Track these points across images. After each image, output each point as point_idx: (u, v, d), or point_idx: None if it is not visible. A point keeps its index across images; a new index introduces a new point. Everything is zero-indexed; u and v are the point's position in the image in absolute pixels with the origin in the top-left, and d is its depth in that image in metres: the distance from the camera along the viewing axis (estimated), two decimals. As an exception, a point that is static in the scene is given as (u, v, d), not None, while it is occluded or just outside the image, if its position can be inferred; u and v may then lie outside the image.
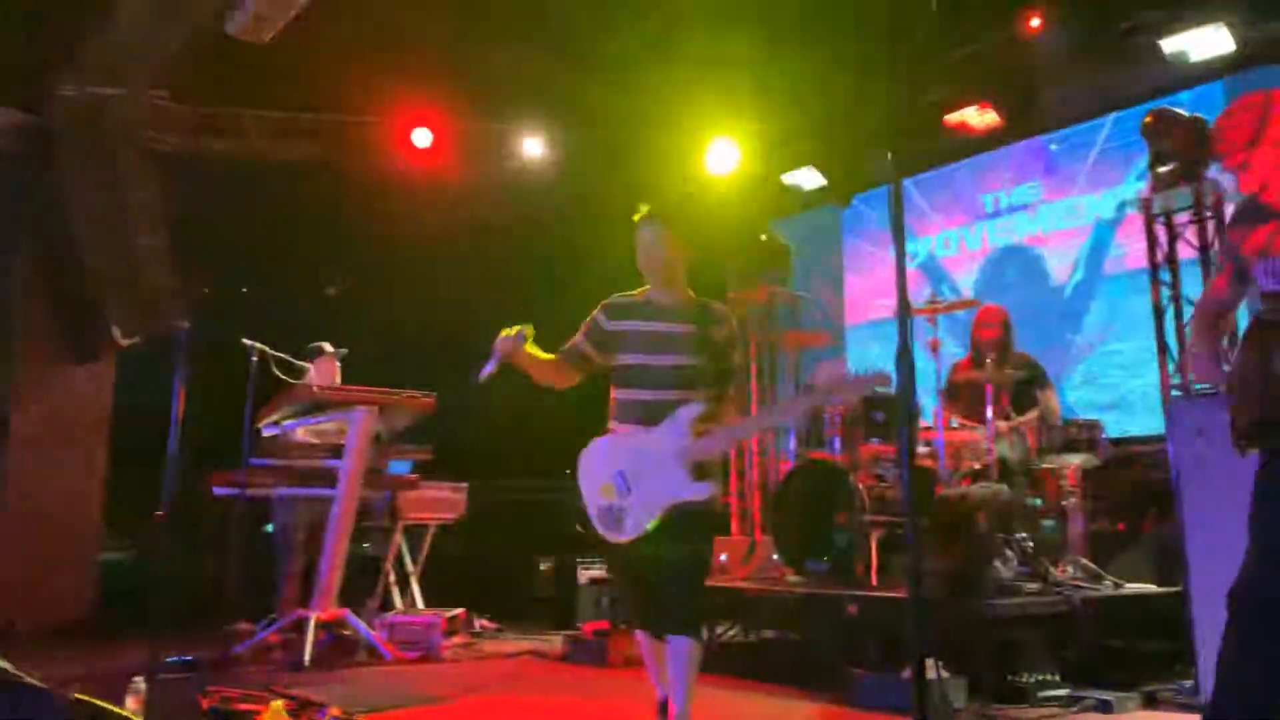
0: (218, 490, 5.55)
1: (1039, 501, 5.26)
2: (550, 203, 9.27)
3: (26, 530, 6.96)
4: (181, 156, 8.27)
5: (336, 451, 5.63)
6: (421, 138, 8.76)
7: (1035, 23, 6.61)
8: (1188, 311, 5.62)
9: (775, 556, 5.52)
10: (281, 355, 5.63)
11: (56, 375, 7.37)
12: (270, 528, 6.28)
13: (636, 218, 3.26)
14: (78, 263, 6.99)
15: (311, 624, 5.16)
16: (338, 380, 6.17)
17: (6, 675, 3.17)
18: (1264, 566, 2.32)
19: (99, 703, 2.78)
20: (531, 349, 3.22)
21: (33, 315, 7.38)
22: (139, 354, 7.43)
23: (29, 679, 2.98)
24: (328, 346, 6.27)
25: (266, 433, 5.77)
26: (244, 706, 3.56)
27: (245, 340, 5.31)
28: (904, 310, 1.64)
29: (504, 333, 3.17)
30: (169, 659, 4.93)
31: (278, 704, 3.50)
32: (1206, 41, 6.17)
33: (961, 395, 5.71)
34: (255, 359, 5.28)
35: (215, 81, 8.26)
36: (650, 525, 2.97)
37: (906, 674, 4.01)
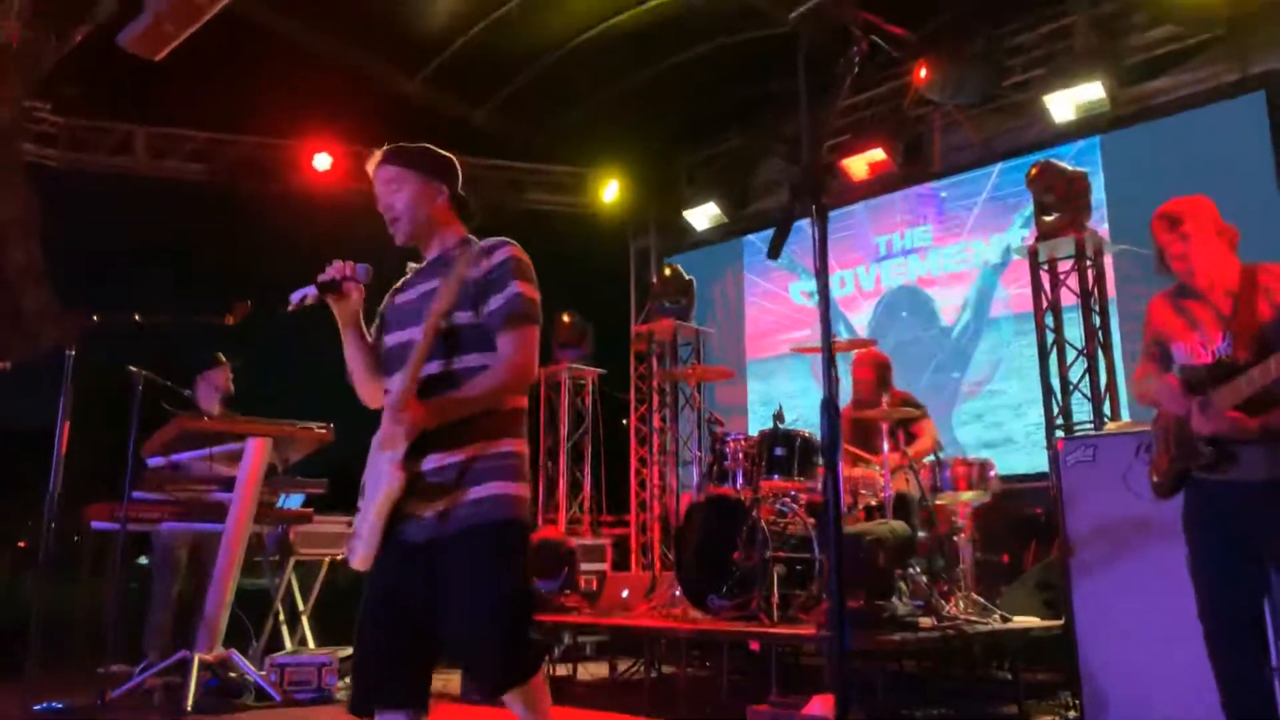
0: (96, 525, 5.25)
1: (922, 534, 5.42)
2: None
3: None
4: (63, 171, 7.92)
5: (227, 484, 5.40)
6: (321, 161, 8.60)
7: (924, 73, 6.92)
8: (1070, 354, 5.92)
9: (678, 592, 5.52)
10: (169, 384, 5.39)
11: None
12: (144, 560, 5.97)
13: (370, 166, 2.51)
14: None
15: (195, 665, 4.91)
16: (229, 389, 5.93)
17: None
18: (1213, 588, 2.80)
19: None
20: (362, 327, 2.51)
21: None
22: (8, 378, 7.02)
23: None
24: (220, 355, 6.02)
25: (152, 464, 5.50)
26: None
27: (131, 368, 5.05)
28: (829, 360, 1.68)
29: (340, 262, 2.46)
30: (36, 706, 4.63)
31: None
32: (1083, 98, 6.55)
33: (850, 433, 5.87)
34: (140, 387, 5.03)
35: (104, 96, 7.97)
36: (372, 545, 2.24)
37: (806, 708, 4.07)
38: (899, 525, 4.96)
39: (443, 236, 2.50)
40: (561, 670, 6.28)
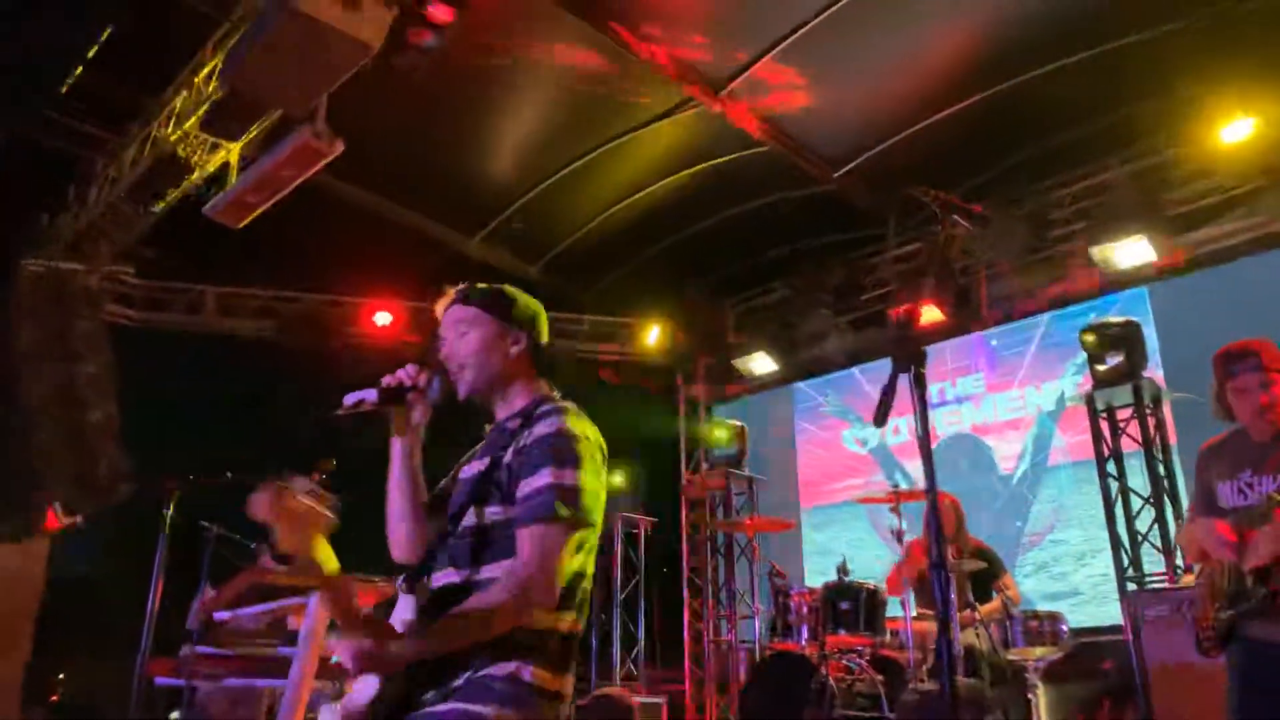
0: (160, 680, 5.24)
1: (991, 692, 5.25)
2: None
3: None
4: (139, 330, 8.29)
5: (291, 638, 5.39)
6: (382, 318, 8.91)
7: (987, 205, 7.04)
8: (1135, 503, 5.85)
9: (742, 752, 5.36)
10: (235, 537, 5.48)
11: (-16, 554, 7.03)
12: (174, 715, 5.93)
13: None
14: (23, 437, 6.81)
15: (252, 830, 4.80)
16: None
17: None
18: None
19: None
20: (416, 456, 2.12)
21: (-33, 489, 7.12)
22: (75, 533, 7.17)
23: None
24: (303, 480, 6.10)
25: (218, 618, 5.52)
26: None
27: (203, 523, 5.16)
28: (938, 524, 1.72)
29: (414, 367, 2.11)
30: None
31: None
32: (1129, 250, 6.69)
33: (920, 585, 5.78)
34: (212, 543, 5.12)
35: (173, 256, 8.40)
36: None
37: None
38: (977, 684, 4.83)
39: (513, 395, 2.09)
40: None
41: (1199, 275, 6.74)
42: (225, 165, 6.25)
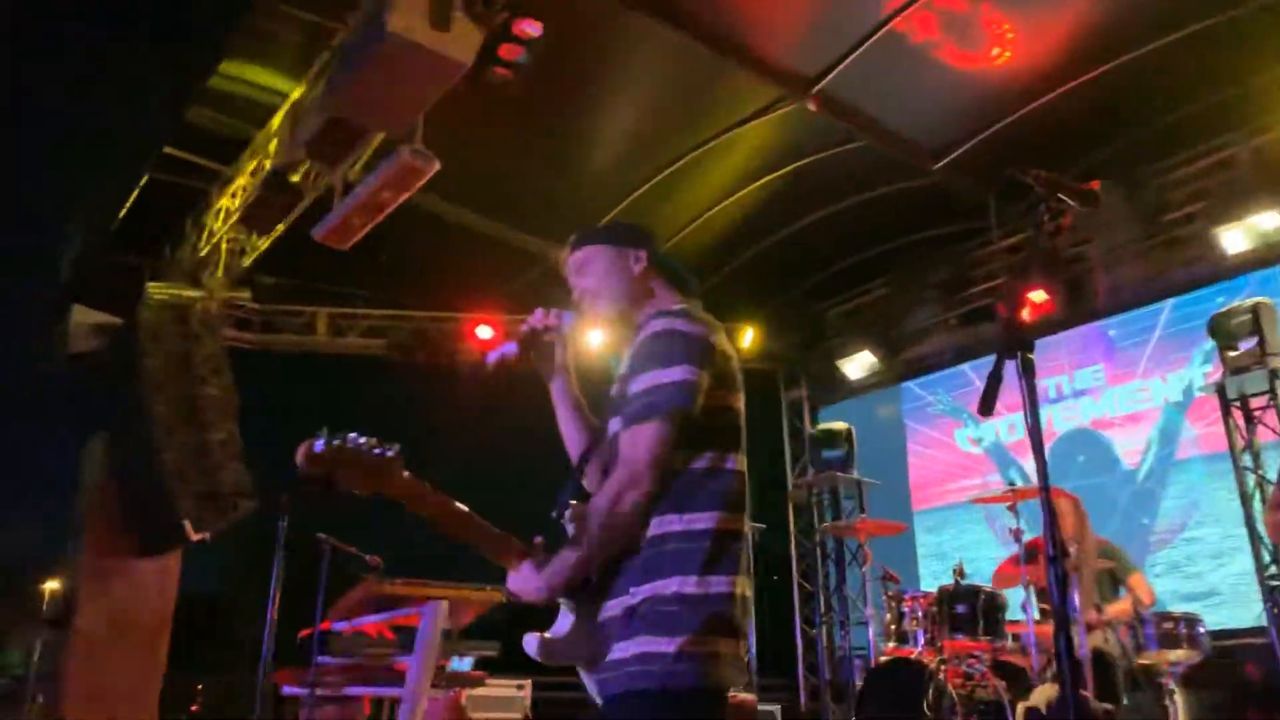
0: (286, 690, 5.42)
1: (1126, 701, 4.99)
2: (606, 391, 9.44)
3: (84, 729, 6.83)
4: (256, 352, 8.64)
5: (404, 647, 5.51)
6: (483, 332, 9.07)
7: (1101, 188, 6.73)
8: (1275, 496, 5.49)
9: (860, 761, 5.22)
10: (351, 550, 5.63)
11: (122, 570, 7.41)
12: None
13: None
14: (152, 457, 7.15)
15: (374, 836, 4.91)
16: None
17: None
18: None
19: None
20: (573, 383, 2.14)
21: (105, 508, 7.52)
22: (200, 548, 7.48)
23: None
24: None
25: (336, 629, 5.69)
26: None
27: (319, 535, 5.31)
28: (1052, 516, 1.63)
29: (541, 310, 2.13)
30: None
31: None
32: (1258, 228, 6.30)
33: (1043, 587, 5.55)
34: (328, 554, 5.27)
35: (289, 280, 8.74)
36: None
37: None
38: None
39: (646, 308, 2.05)
40: None
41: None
42: (330, 190, 6.46)
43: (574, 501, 1.90)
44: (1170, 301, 7.04)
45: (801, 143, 7.43)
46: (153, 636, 7.33)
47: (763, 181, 8.03)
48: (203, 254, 7.46)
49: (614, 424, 1.93)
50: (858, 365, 8.86)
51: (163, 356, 7.40)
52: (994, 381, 1.71)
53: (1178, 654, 4.89)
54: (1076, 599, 4.98)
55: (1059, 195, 1.95)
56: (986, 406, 1.73)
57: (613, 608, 1.82)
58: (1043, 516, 1.64)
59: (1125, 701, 4.95)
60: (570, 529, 1.89)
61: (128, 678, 7.07)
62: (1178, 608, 5.60)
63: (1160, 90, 6.56)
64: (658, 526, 1.82)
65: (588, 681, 1.90)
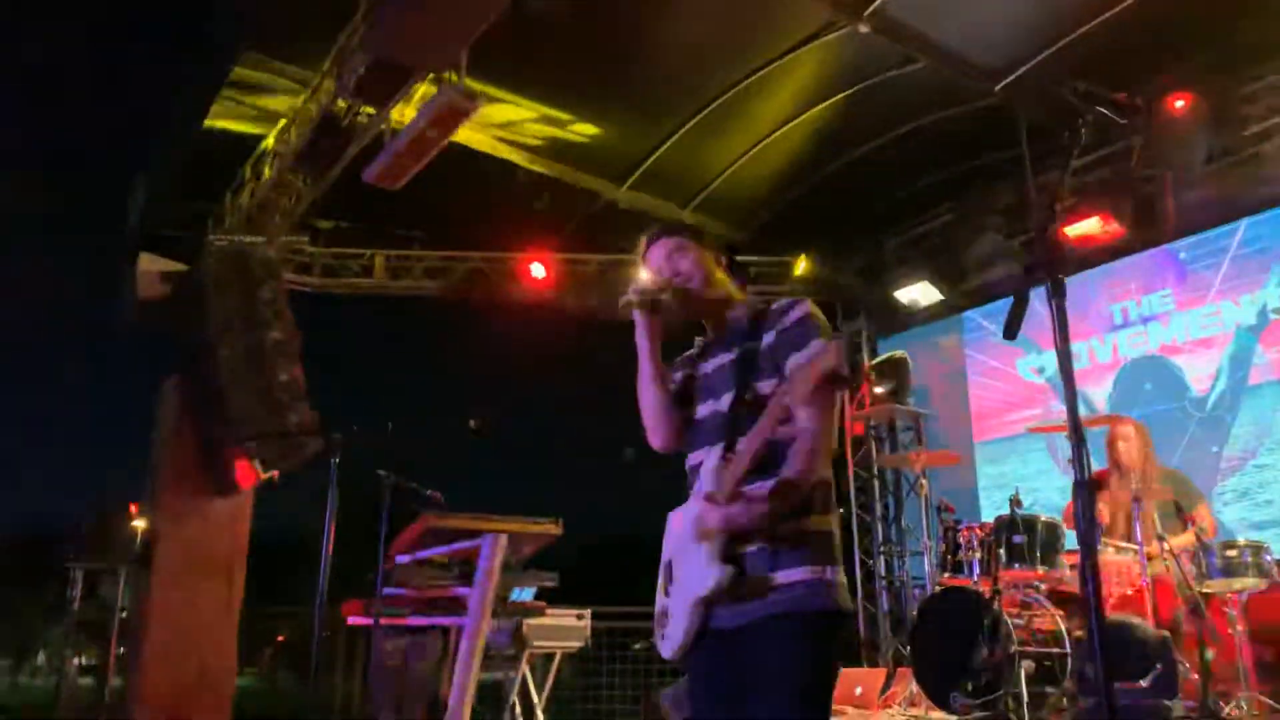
0: (352, 620, 5.63)
1: (1188, 629, 4.91)
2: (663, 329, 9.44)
3: (167, 661, 7.18)
4: (318, 295, 8.80)
5: (465, 579, 5.66)
6: (537, 270, 9.10)
7: (1179, 104, 6.41)
8: (1351, 422, 5.28)
9: (915, 689, 5.25)
10: (413, 485, 5.76)
11: (198, 508, 7.71)
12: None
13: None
14: (221, 400, 7.37)
15: (442, 758, 5.10)
16: None
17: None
18: None
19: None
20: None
21: (179, 450, 7.80)
22: (268, 490, 7.74)
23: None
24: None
25: (399, 561, 5.86)
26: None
27: (379, 471, 5.44)
28: (1079, 439, 1.59)
29: (657, 278, 2.40)
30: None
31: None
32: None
33: (1107, 511, 5.46)
34: (390, 489, 5.40)
35: (347, 224, 8.85)
36: (685, 639, 2.17)
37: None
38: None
39: (731, 300, 2.42)
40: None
41: None
42: (380, 132, 6.49)
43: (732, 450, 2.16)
44: (1245, 221, 6.74)
45: (857, 67, 7.21)
46: (228, 573, 7.64)
47: (818, 109, 7.84)
48: (260, 200, 7.58)
49: (764, 385, 2.18)
50: (918, 295, 8.69)
51: (227, 301, 7.58)
52: (1019, 305, 1.66)
53: (1244, 582, 4.79)
54: (1139, 529, 4.90)
55: (1098, 108, 1.84)
56: (1011, 331, 1.69)
57: (758, 541, 2.08)
58: (1071, 444, 1.60)
59: (1187, 628, 4.88)
60: (712, 478, 2.16)
61: (205, 612, 7.39)
62: (1247, 536, 5.46)
63: (1235, 1, 6.20)
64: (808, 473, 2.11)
65: (719, 614, 2.11)
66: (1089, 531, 1.51)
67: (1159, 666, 4.28)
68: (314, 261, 8.89)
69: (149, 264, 8.07)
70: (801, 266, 8.76)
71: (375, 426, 3.63)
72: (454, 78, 5.30)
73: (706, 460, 2.20)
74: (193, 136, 7.36)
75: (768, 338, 2.23)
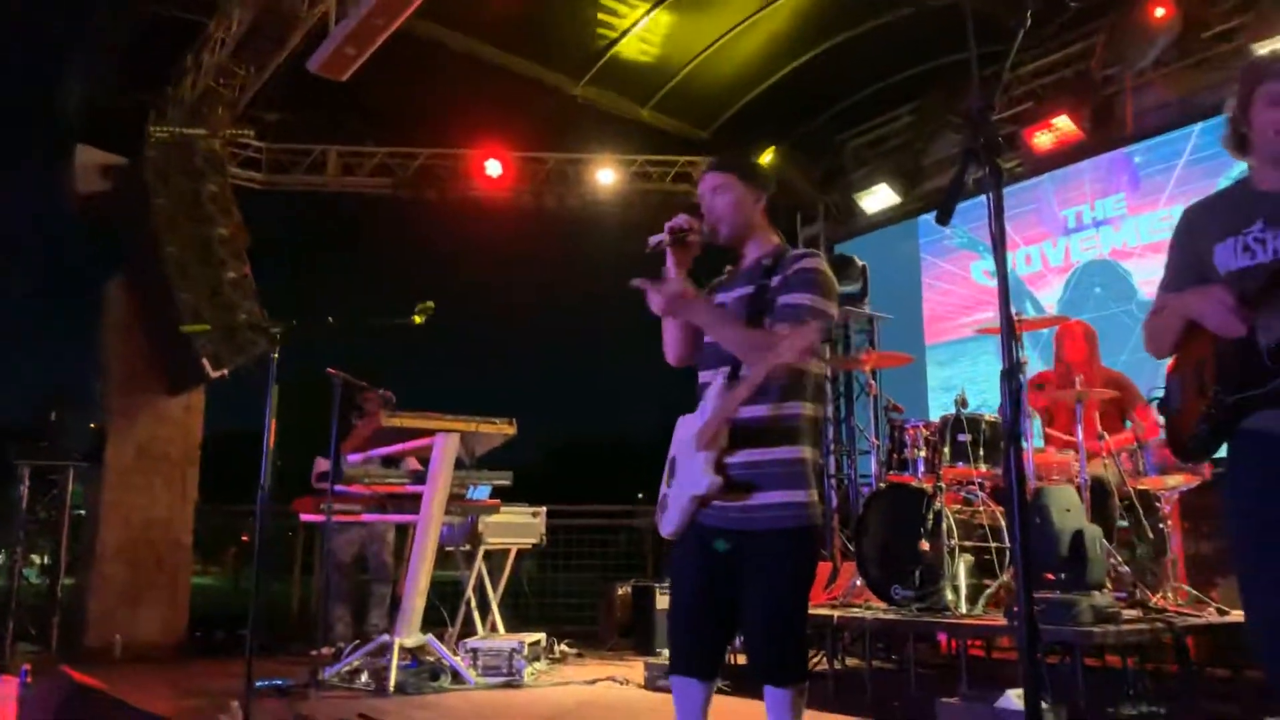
0: (304, 517, 5.65)
1: (1123, 523, 5.08)
2: (618, 228, 9.37)
3: (121, 556, 7.21)
4: (265, 191, 8.58)
5: (420, 478, 5.69)
6: (493, 168, 8.92)
7: (1160, 12, 6.31)
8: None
9: (859, 582, 5.41)
10: (363, 384, 5.73)
11: (150, 406, 7.64)
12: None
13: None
14: (168, 297, 7.22)
15: (395, 649, 5.21)
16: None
17: (108, 699, 3.26)
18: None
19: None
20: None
21: (128, 348, 7.68)
22: (229, 387, 7.67)
23: (131, 705, 3.05)
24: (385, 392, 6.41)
25: (352, 460, 5.87)
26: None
27: (330, 370, 5.40)
28: (1009, 327, 1.59)
29: (686, 217, 2.60)
30: (259, 683, 5.04)
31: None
32: (1299, 44, 5.95)
33: (1051, 410, 5.58)
34: (339, 387, 5.37)
35: (295, 118, 8.57)
36: (679, 525, 2.54)
37: (999, 703, 3.90)
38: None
39: (759, 241, 2.64)
40: (742, 660, 6.27)
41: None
42: (325, 20, 6.23)
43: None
44: (1198, 126, 6.74)
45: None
46: (181, 469, 7.62)
47: (778, 6, 7.66)
48: (202, 90, 7.31)
49: (769, 322, 2.43)
50: (876, 199, 8.66)
51: (171, 196, 7.37)
52: (956, 188, 1.65)
53: (1176, 479, 4.94)
54: (1080, 428, 5.03)
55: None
56: (944, 216, 1.68)
57: (758, 459, 2.41)
58: (1002, 339, 1.60)
59: (1122, 522, 5.06)
60: (716, 399, 2.46)
61: (159, 508, 7.40)
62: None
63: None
64: (793, 408, 2.43)
65: (705, 513, 2.48)
66: (1014, 416, 1.53)
67: (1086, 558, 4.43)
68: (261, 156, 8.64)
69: (88, 157, 7.80)
70: (768, 157, 8.63)
71: (310, 319, 3.57)
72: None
73: (714, 381, 2.50)
74: (131, 20, 7.04)
75: (776, 280, 2.48)
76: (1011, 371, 1.56)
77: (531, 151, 9.12)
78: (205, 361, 7.09)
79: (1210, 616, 4.55)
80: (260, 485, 3.26)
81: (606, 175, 9.05)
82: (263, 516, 3.32)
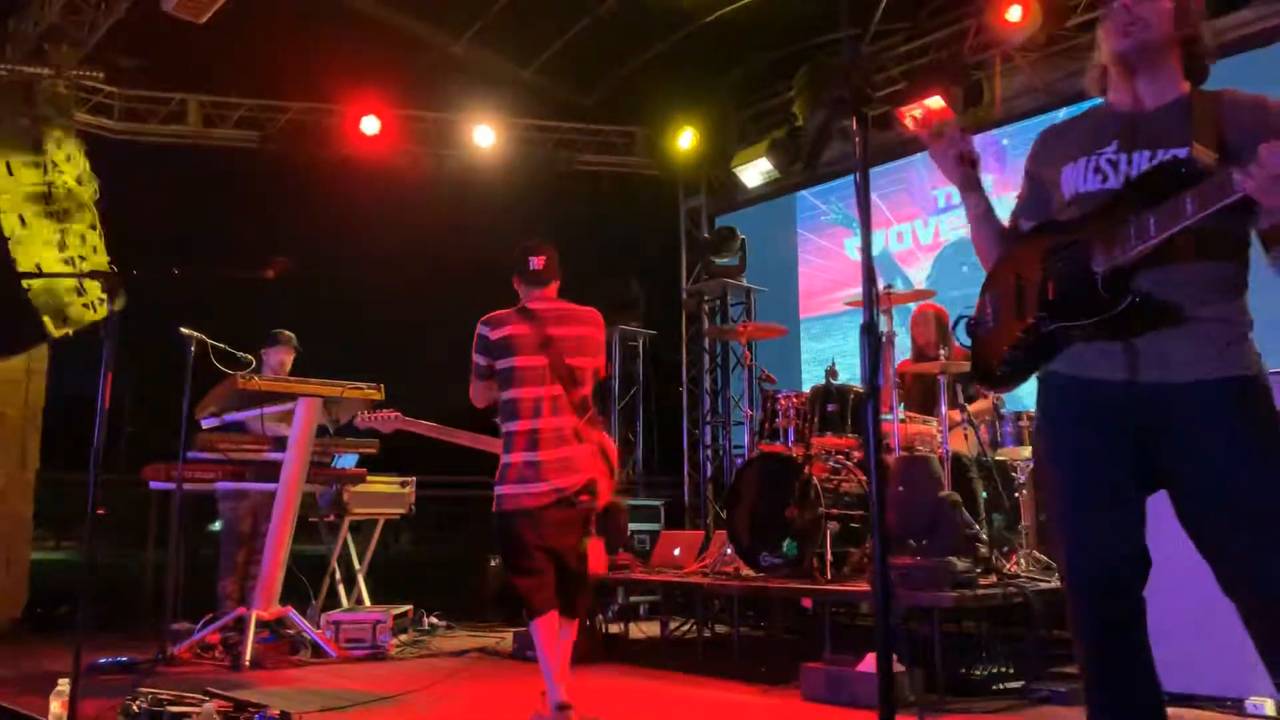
0: (154, 485, 5.34)
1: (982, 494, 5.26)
2: (501, 194, 9.18)
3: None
4: (120, 141, 8.04)
5: (280, 444, 5.45)
6: (370, 125, 8.58)
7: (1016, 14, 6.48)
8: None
9: (729, 550, 5.45)
10: (220, 345, 5.44)
11: (-16, 367, 7.08)
12: (217, 524, 6.13)
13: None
14: (4, 251, 6.70)
15: (252, 622, 4.99)
16: (287, 368, 6.02)
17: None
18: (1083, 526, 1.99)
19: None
20: None
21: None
22: (76, 345, 7.18)
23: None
24: (287, 333, 6.12)
25: (205, 424, 5.57)
26: (176, 709, 3.39)
27: (183, 329, 5.10)
28: (870, 283, 1.57)
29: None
30: (103, 660, 4.75)
31: (210, 706, 3.35)
32: None
33: (909, 389, 5.73)
34: (194, 349, 5.08)
35: (155, 64, 8.05)
36: None
37: (860, 666, 3.99)
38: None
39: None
40: (614, 629, 6.26)
41: (1231, 62, 6.28)
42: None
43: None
44: (1062, 111, 6.99)
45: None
46: (22, 434, 7.10)
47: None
48: (46, 27, 6.76)
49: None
50: (756, 173, 8.70)
51: (10, 141, 6.81)
52: (822, 135, 1.61)
53: (1030, 450, 5.14)
54: (944, 401, 5.17)
55: None
56: (812, 158, 1.65)
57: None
58: (864, 291, 1.57)
59: (982, 493, 5.23)
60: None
61: (-3, 473, 6.89)
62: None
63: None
64: None
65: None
66: (873, 370, 1.50)
67: (945, 526, 4.57)
68: (114, 102, 8.07)
69: (-87, 94, 7.13)
70: (687, 136, 8.52)
71: (152, 269, 3.33)
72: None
73: None
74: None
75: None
76: (871, 326, 1.53)
77: (411, 109, 8.80)
78: (46, 320, 6.61)
79: (1058, 583, 4.74)
80: (95, 447, 3.02)
81: (486, 136, 8.80)
82: (101, 485, 3.07)
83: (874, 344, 1.51)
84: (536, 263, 3.65)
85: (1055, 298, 1.96)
